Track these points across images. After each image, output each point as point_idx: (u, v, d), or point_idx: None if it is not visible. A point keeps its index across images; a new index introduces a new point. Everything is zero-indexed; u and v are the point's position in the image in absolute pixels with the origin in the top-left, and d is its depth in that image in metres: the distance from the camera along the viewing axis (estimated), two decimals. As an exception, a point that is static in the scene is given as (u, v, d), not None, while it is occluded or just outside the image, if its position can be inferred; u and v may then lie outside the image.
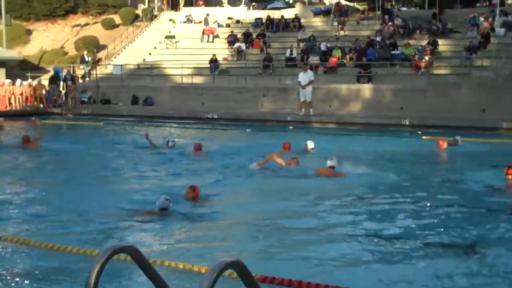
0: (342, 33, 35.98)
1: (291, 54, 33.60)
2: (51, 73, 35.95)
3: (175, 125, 26.30)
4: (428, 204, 10.83)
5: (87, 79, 36.65)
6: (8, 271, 7.14)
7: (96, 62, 38.38)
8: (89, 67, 37.06)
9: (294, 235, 8.82)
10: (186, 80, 33.69)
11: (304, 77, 26.85)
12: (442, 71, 30.22)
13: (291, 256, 7.82)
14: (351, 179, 12.98)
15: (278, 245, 8.31)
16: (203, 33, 38.40)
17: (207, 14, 40.48)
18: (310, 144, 16.75)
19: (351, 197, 11.44)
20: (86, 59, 37.36)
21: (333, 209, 10.50)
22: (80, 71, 36.71)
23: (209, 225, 9.31)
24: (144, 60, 37.62)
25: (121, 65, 36.62)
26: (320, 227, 9.22)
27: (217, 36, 38.59)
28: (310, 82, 26.74)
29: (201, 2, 47.21)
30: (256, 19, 40.06)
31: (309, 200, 11.21)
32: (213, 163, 15.28)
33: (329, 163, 13.11)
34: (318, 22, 39.45)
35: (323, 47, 33.53)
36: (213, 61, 34.18)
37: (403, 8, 47.68)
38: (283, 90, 29.98)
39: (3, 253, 7.88)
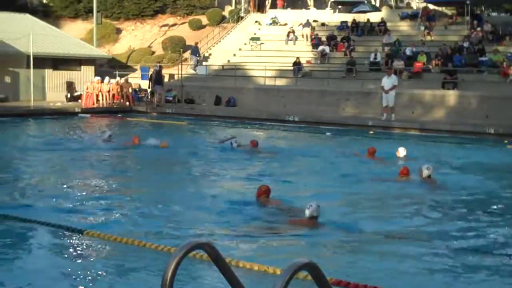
0: (428, 38, 35.35)
1: (375, 58, 33.27)
2: (147, 72, 36.71)
3: (256, 126, 26.40)
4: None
5: (196, 70, 37.91)
6: (89, 265, 7.37)
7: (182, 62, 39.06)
8: (198, 58, 38.14)
9: (378, 242, 8.66)
10: (269, 82, 33.83)
11: (388, 81, 26.51)
12: (532, 79, 29.25)
13: (370, 263, 7.73)
14: (445, 187, 12.76)
15: (354, 249, 8.24)
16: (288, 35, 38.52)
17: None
18: (403, 152, 16.52)
19: (442, 206, 11.21)
20: (198, 50, 38.40)
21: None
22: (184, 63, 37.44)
23: (282, 226, 9.32)
24: (228, 61, 38.02)
25: (206, 66, 37.14)
26: (416, 236, 9.06)
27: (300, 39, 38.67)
28: (394, 87, 26.37)
29: (279, 3, 47.11)
30: (342, 22, 39.88)
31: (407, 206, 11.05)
32: (291, 165, 15.28)
33: (426, 172, 12.85)
34: (404, 26, 38.91)
35: (408, 51, 33.04)
36: (297, 64, 34.21)
37: (493, 14, 46.38)
38: (365, 95, 29.69)
39: (85, 248, 8.13)
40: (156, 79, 33.01)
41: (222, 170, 14.81)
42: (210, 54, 40.22)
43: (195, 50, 38.63)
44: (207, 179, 13.59)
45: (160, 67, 34.67)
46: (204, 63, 38.18)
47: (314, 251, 8.19)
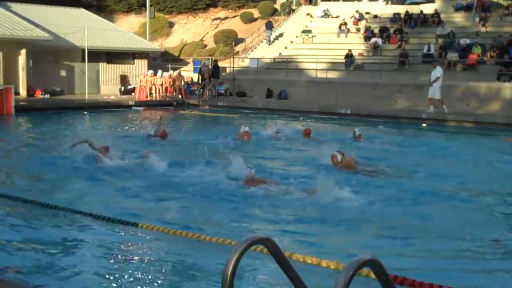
0: (483, 29, 34.65)
1: (428, 50, 32.78)
2: (199, 65, 37.03)
3: (308, 120, 26.29)
4: None
5: (270, 44, 38.87)
6: (145, 260, 7.41)
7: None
8: (271, 33, 39.37)
9: (436, 240, 8.49)
10: (321, 74, 33.68)
11: (433, 74, 26.18)
12: None
13: (429, 259, 7.61)
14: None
15: (414, 245, 8.11)
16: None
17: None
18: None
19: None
20: (272, 24, 39.18)
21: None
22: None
23: (339, 219, 9.25)
24: (280, 54, 37.98)
25: (258, 59, 37.18)
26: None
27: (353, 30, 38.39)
28: (436, 79, 25.98)
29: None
30: (394, 14, 39.41)
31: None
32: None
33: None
34: (458, 17, 38.20)
35: (462, 43, 32.46)
36: (349, 56, 33.99)
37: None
38: (418, 87, 29.26)
39: (142, 241, 8.18)
40: (214, 71, 33.18)
41: (278, 161, 14.76)
42: (256, 47, 40.22)
43: (269, 25, 39.91)
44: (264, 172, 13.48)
45: (215, 60, 34.86)
46: (255, 56, 38.22)
47: (365, 244, 8.14)
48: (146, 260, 7.33)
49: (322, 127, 23.42)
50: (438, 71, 26.20)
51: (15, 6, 36.11)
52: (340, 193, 10.31)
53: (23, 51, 30.82)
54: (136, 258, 7.45)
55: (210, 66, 34.18)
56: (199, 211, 9.62)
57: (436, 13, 37.26)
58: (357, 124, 23.78)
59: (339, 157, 13.20)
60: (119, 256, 7.56)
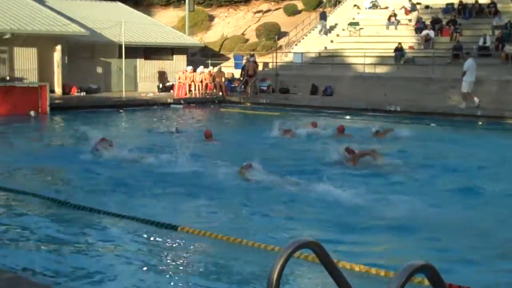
0: (544, 19, 34.06)
1: (484, 42, 32.31)
2: (241, 61, 37.15)
3: (355, 117, 26.11)
4: None
5: (323, 34, 38.94)
6: (185, 264, 7.51)
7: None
8: (325, 24, 39.66)
9: (493, 247, 8.39)
10: (369, 69, 33.48)
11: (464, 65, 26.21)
12: None
13: (484, 266, 7.52)
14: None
15: (469, 251, 8.01)
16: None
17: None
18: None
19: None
20: (326, 15, 39.81)
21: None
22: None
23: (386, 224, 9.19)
24: (325, 48, 37.87)
25: (302, 53, 37.12)
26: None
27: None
28: (464, 73, 25.89)
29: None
30: (447, 4, 38.90)
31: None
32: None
33: None
34: (516, 7, 37.61)
35: (521, 34, 31.97)
36: (398, 50, 33.70)
37: None
38: (474, 82, 28.83)
39: (182, 245, 8.28)
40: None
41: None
42: (300, 41, 40.15)
43: (323, 15, 40.05)
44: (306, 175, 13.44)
45: (252, 56, 34.93)
46: (299, 50, 38.17)
47: (408, 249, 8.09)
48: (184, 265, 7.42)
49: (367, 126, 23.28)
50: (465, 64, 26.13)
51: (50, 1, 36.63)
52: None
53: (59, 47, 31.25)
54: (173, 262, 7.54)
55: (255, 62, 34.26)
56: (236, 216, 9.69)
57: (493, 3, 36.68)
58: (407, 123, 23.66)
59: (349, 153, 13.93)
60: (156, 259, 7.67)
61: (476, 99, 25.99)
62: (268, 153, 15.44)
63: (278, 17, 45.62)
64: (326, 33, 39.71)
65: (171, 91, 34.61)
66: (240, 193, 11.03)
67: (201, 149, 15.87)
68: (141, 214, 9.20)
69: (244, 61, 35.43)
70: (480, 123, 24.33)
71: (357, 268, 6.89)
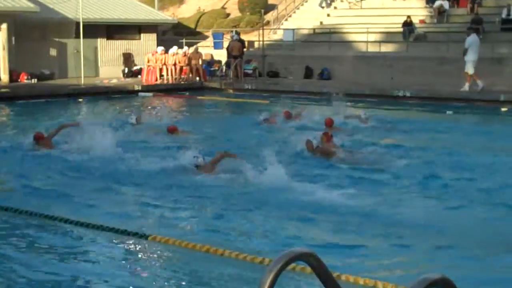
0: None
1: (508, 15, 32.44)
2: (221, 39, 37.08)
3: (357, 104, 26.14)
4: None
5: (325, 6, 38.97)
6: (157, 275, 7.58)
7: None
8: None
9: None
10: (372, 48, 33.55)
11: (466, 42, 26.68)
12: None
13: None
14: None
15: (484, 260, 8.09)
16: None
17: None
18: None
19: None
20: None
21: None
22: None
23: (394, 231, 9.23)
24: (321, 23, 37.91)
25: (293, 30, 37.11)
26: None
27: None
28: (465, 51, 26.14)
29: None
30: (464, -30, 39.08)
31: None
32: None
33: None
34: (546, -27, 37.80)
35: (551, 5, 32.17)
36: (407, 24, 33.77)
37: None
38: (495, 61, 28.99)
39: (150, 255, 8.32)
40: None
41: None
42: (291, 15, 40.14)
43: None
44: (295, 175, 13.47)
45: (237, 33, 34.86)
46: (290, 26, 38.15)
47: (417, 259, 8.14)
48: (155, 277, 7.52)
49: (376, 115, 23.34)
50: (467, 41, 26.37)
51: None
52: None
53: (4, 26, 31.07)
54: (145, 273, 7.63)
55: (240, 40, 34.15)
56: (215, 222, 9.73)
57: (518, -32, 36.90)
58: (418, 109, 23.75)
59: (314, 142, 14.49)
60: (127, 270, 7.76)
61: (480, 82, 26.08)
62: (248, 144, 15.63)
63: (265, -13, 45.63)
64: (328, 5, 39.46)
65: (139, 76, 34.56)
66: (210, 192, 11.10)
67: (164, 142, 16.06)
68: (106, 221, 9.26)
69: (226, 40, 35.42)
70: (503, 109, 24.44)
71: (361, 282, 6.93)
